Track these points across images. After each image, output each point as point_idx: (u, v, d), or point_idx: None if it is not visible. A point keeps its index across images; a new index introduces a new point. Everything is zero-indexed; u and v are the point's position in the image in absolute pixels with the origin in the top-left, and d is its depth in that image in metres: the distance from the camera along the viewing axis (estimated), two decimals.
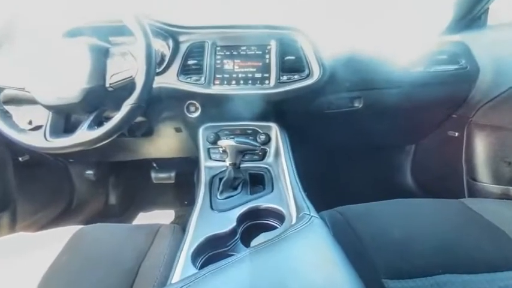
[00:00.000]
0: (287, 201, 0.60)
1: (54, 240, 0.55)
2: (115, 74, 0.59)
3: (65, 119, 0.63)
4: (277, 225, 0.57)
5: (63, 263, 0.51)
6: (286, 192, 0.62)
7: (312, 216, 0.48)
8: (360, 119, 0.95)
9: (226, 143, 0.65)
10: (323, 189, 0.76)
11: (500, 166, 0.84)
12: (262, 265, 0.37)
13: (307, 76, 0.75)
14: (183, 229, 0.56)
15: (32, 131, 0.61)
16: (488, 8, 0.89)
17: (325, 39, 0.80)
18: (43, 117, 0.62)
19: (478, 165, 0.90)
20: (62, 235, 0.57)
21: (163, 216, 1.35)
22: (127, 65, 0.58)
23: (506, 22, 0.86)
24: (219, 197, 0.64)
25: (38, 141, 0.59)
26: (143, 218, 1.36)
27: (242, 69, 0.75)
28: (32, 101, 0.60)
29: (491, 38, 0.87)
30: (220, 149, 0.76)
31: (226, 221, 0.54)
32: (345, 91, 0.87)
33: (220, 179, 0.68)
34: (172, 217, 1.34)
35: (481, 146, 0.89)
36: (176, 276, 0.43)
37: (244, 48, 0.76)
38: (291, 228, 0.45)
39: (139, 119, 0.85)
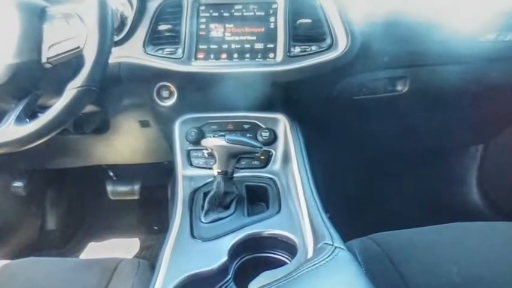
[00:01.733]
0: (300, 225, 0.60)
1: None
2: (54, 44, 0.58)
3: None
4: (287, 260, 0.57)
5: None
6: (300, 212, 0.62)
7: (336, 247, 0.48)
8: (404, 109, 0.95)
9: (213, 142, 0.65)
10: (352, 209, 0.76)
11: None
12: None
13: (330, 47, 0.75)
14: (152, 265, 0.56)
15: None
16: None
17: None
18: None
19: None
20: None
21: (124, 247, 1.34)
22: (72, 32, 0.58)
23: None
24: (203, 219, 0.63)
25: None
26: (95, 250, 1.35)
27: (236, 38, 0.75)
28: None
29: None
30: (205, 152, 0.76)
31: (214, 254, 0.54)
32: (384, 69, 0.88)
33: (206, 194, 0.68)
34: (136, 248, 1.34)
35: None
36: None
37: (239, 7, 0.76)
38: (307, 263, 0.45)
39: (89, 108, 0.85)
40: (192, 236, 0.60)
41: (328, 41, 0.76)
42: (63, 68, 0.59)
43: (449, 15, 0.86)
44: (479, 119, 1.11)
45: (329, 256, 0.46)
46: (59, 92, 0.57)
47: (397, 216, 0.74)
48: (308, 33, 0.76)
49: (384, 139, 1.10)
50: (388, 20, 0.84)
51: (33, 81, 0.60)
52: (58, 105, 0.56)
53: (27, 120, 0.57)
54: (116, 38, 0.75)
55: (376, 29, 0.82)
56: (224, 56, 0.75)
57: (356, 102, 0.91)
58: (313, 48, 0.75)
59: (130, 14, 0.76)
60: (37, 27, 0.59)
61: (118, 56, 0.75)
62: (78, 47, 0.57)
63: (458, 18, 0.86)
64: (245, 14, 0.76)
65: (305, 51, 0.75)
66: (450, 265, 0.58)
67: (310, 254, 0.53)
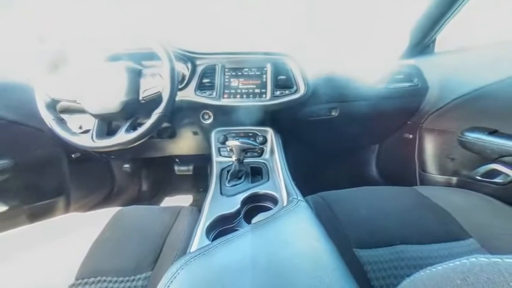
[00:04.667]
0: (280, 188, 0.60)
1: (99, 219, 0.55)
2: (146, 89, 0.58)
3: (107, 125, 0.62)
4: (272, 207, 0.57)
5: (106, 237, 0.51)
6: (279, 181, 0.62)
7: (299, 200, 0.48)
8: (336, 125, 0.94)
9: (232, 143, 0.65)
10: (308, 179, 0.76)
11: (444, 161, 0.83)
12: (261, 238, 0.37)
13: (295, 91, 0.75)
14: (199, 210, 0.56)
15: (82, 134, 0.61)
16: (435, 39, 0.89)
17: (308, 63, 0.80)
18: (90, 123, 0.61)
19: (427, 160, 0.89)
20: (105, 215, 0.57)
21: (184, 200, 1.34)
22: (156, 83, 0.58)
23: (449, 50, 0.86)
24: (227, 184, 0.63)
25: (86, 142, 0.58)
26: (168, 202, 1.36)
27: (245, 86, 0.75)
28: (82, 111, 0.59)
29: (438, 62, 0.87)
30: (228, 148, 0.76)
31: (233, 204, 0.54)
32: (324, 103, 0.87)
33: (228, 171, 0.68)
34: (190, 201, 1.34)
35: (429, 146, 0.89)
36: (194, 247, 0.42)
37: (246, 69, 0.76)
38: (283, 209, 0.44)
39: (165, 124, 0.84)
40: (221, 193, 0.60)
41: (295, 88, 0.75)
42: (151, 103, 0.59)
43: (360, 74, 0.86)
44: (375, 131, 1.10)
45: (295, 205, 0.46)
46: (148, 115, 0.57)
47: (333, 183, 0.73)
48: (284, 83, 0.75)
49: (325, 140, 1.10)
50: (327, 76, 0.84)
51: (134, 110, 0.60)
52: (148, 123, 0.56)
53: (131, 131, 0.58)
54: (180, 86, 0.74)
55: (320, 81, 0.82)
56: (238, 96, 0.75)
57: (310, 121, 0.91)
58: (287, 92, 0.75)
59: (187, 73, 0.76)
60: (137, 81, 0.59)
61: (181, 96, 0.74)
62: (159, 91, 0.57)
63: (365, 76, 0.86)
64: (250, 73, 0.76)
65: (282, 93, 0.75)
66: (361, 209, 0.57)
67: (285, 203, 0.53)
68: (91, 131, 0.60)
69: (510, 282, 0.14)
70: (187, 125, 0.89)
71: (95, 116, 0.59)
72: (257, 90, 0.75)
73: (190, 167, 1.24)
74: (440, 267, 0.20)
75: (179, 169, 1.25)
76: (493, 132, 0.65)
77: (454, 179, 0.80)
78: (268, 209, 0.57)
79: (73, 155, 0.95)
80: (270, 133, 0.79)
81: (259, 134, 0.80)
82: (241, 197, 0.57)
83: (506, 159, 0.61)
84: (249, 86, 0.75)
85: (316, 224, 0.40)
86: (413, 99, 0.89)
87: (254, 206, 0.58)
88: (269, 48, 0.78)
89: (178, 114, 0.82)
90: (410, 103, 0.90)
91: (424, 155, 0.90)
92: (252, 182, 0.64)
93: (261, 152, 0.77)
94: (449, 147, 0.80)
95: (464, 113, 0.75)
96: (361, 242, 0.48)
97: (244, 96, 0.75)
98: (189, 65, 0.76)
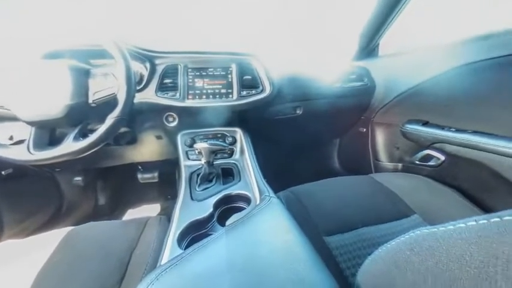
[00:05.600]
0: (252, 187, 0.60)
1: (45, 242, 0.47)
2: (97, 91, 0.52)
3: (49, 133, 0.53)
4: (245, 207, 0.57)
5: (56, 261, 0.43)
6: (251, 180, 0.62)
7: (271, 197, 0.49)
8: (301, 123, 0.98)
9: (201, 145, 0.63)
10: (278, 176, 0.78)
11: (392, 150, 0.95)
12: (236, 239, 0.36)
13: (261, 91, 0.76)
14: (169, 219, 0.53)
15: (14, 146, 0.51)
16: (378, 43, 1.01)
17: (272, 63, 0.82)
18: (25, 132, 0.51)
19: (379, 150, 1.01)
20: (53, 237, 0.48)
21: (151, 210, 1.24)
22: (109, 84, 0.52)
23: (390, 53, 0.99)
24: (197, 189, 0.61)
25: (20, 154, 0.49)
26: (133, 214, 1.23)
27: (210, 86, 0.73)
28: (13, 118, 0.50)
29: (381, 64, 0.98)
30: (196, 151, 0.73)
31: (205, 208, 0.52)
32: (289, 102, 0.91)
33: (198, 175, 0.65)
34: (158, 210, 1.24)
35: (380, 137, 1.00)
36: (165, 258, 0.39)
37: (211, 69, 0.74)
38: (256, 208, 0.45)
39: (123, 129, 0.77)
40: (192, 199, 0.57)
41: (261, 88, 0.76)
42: (104, 106, 0.52)
43: (320, 75, 0.92)
44: (336, 126, 1.18)
45: (268, 202, 0.47)
46: (102, 120, 0.50)
47: (301, 178, 0.77)
48: (250, 83, 0.75)
49: (292, 137, 1.14)
50: (290, 77, 0.88)
51: (83, 115, 0.53)
52: (102, 128, 0.50)
53: (81, 138, 0.50)
54: (138, 88, 0.68)
55: (285, 81, 0.85)
56: (204, 96, 0.72)
57: (277, 120, 0.93)
58: (253, 91, 0.75)
59: (145, 73, 0.70)
60: (84, 81, 0.52)
61: (139, 98, 0.68)
62: (113, 93, 0.51)
63: (324, 76, 0.92)
64: (215, 73, 0.74)
65: (249, 93, 0.75)
66: (327, 199, 0.61)
67: (257, 202, 0.53)
68: (26, 142, 0.50)
69: (444, 246, 0.17)
70: (149, 129, 0.83)
71: (31, 123, 0.50)
72: (223, 91, 0.74)
73: (156, 174, 1.16)
74: (394, 243, 0.22)
75: (143, 177, 1.15)
76: (425, 123, 0.78)
77: (400, 165, 0.92)
78: (241, 209, 0.57)
79: (3, 172, 0.79)
80: (239, 133, 0.79)
81: (228, 134, 0.79)
82: (214, 200, 0.55)
83: (437, 145, 0.73)
84: (214, 87, 0.73)
85: (288, 219, 0.41)
86: (365, 97, 0.99)
87: (227, 208, 0.58)
88: (233, 48, 0.77)
89: (139, 118, 0.75)
90: (362, 100, 1.00)
91: (376, 146, 1.01)
92: (223, 184, 0.63)
93: (231, 153, 0.76)
94: (395, 137, 0.91)
95: (404, 108, 0.87)
96: (329, 230, 0.51)
97: (211, 96, 0.72)
98: (148, 65, 0.70)
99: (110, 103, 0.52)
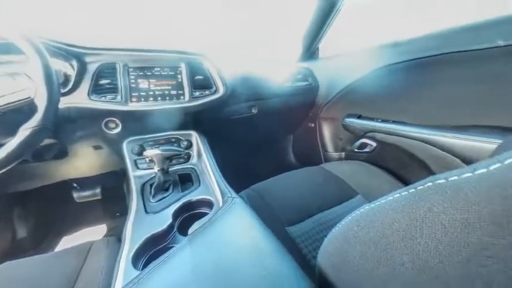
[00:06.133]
0: (213, 190, 0.58)
1: None
2: (2, 96, 0.41)
3: None
4: (208, 212, 0.55)
5: None
6: (211, 183, 0.61)
7: (233, 197, 0.49)
8: (257, 121, 1.00)
9: (152, 152, 0.57)
10: (239, 176, 0.78)
11: (336, 141, 1.08)
12: (200, 246, 0.35)
13: (215, 92, 0.74)
14: (119, 239, 0.46)
15: None
16: (318, 47, 1.12)
17: (225, 63, 0.81)
18: None
19: (326, 142, 1.12)
20: None
21: (94, 233, 1.05)
22: (19, 86, 0.41)
23: (328, 56, 1.12)
24: (152, 200, 0.55)
25: None
26: (70, 241, 1.01)
27: (158, 88, 0.67)
28: None
29: (322, 65, 1.10)
30: (147, 159, 0.66)
31: (163, 220, 0.48)
32: (244, 101, 0.91)
33: (151, 185, 0.59)
34: (104, 231, 1.06)
35: (326, 131, 1.12)
36: (118, 284, 0.34)
37: (157, 69, 0.67)
38: (220, 210, 0.44)
39: (47, 141, 0.63)
40: (146, 212, 0.51)
41: (214, 88, 0.75)
42: (14, 114, 0.41)
43: (271, 75, 0.96)
44: (289, 123, 1.25)
45: (231, 203, 0.46)
46: (12, 132, 0.40)
47: (261, 175, 0.79)
48: (202, 84, 0.73)
49: (249, 136, 1.15)
50: (242, 76, 0.89)
51: None
52: (13, 142, 0.39)
53: None
54: (63, 90, 0.57)
55: (238, 81, 0.86)
56: (151, 99, 0.66)
57: (233, 120, 0.93)
58: (207, 92, 0.73)
59: (72, 73, 0.59)
60: None
61: (67, 102, 0.57)
62: (29, 97, 0.41)
63: (275, 76, 0.97)
64: (162, 73, 0.68)
65: (202, 94, 0.72)
66: (286, 191, 0.64)
67: (220, 205, 0.52)
68: None
69: (379, 217, 0.20)
70: (83, 139, 0.70)
71: None
72: (173, 92, 0.69)
73: (97, 190, 0.99)
74: (343, 222, 0.25)
75: (80, 195, 0.97)
76: (359, 117, 0.91)
77: (343, 154, 1.05)
78: (204, 214, 0.55)
79: None
80: (195, 136, 0.75)
81: (182, 138, 0.74)
82: (172, 209, 0.51)
83: (369, 134, 0.87)
84: (163, 88, 0.67)
85: (251, 216, 0.42)
86: (310, 95, 1.09)
87: (189, 216, 0.54)
88: (181, 47, 0.73)
89: (67, 126, 0.63)
90: (309, 98, 1.09)
91: (324, 139, 1.13)
92: (182, 191, 0.59)
93: (188, 157, 0.72)
94: (338, 130, 1.03)
95: (343, 104, 1.00)
96: (290, 220, 0.54)
97: (159, 98, 0.66)
98: (75, 63, 0.59)
99: (22, 110, 0.41)
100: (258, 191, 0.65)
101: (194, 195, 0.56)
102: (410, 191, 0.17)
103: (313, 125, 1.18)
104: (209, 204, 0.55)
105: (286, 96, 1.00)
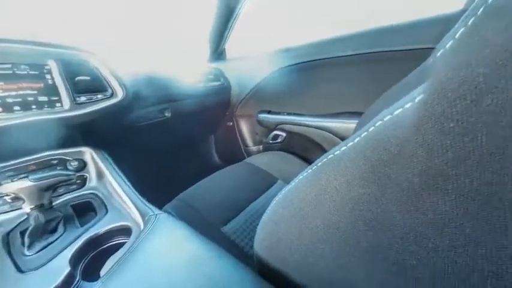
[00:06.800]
0: (128, 213, 0.48)
1: None
2: None
3: None
4: (126, 239, 0.45)
5: None
6: (124, 206, 0.50)
7: (156, 214, 0.43)
8: (172, 125, 0.92)
9: (15, 186, 0.39)
10: (162, 188, 0.69)
11: (254, 136, 1.17)
12: (123, 283, 0.28)
13: (112, 95, 0.61)
14: None
15: None
16: (224, 48, 1.16)
17: (119, 61, 0.68)
18: None
19: (246, 138, 1.20)
20: None
21: None
22: None
23: (235, 57, 1.18)
24: (28, 253, 0.39)
25: None
26: None
27: (14, 93, 0.46)
28: None
29: (231, 66, 1.14)
30: (7, 197, 0.45)
31: (54, 273, 0.35)
32: (153, 105, 0.81)
33: (23, 232, 0.42)
34: None
35: (244, 128, 1.19)
36: None
37: (7, 66, 0.47)
38: (142, 233, 0.37)
39: None
40: (21, 271, 0.36)
41: (110, 91, 0.61)
42: None
43: (182, 75, 0.90)
44: (208, 123, 1.24)
45: (154, 221, 0.40)
46: None
47: (187, 181, 0.73)
48: (91, 86, 0.57)
49: (166, 142, 1.04)
50: (148, 77, 0.78)
51: None
52: None
53: None
54: None
55: (141, 82, 0.75)
56: (0, 109, 0.45)
57: (142, 127, 0.80)
58: (99, 96, 0.58)
59: None
60: None
61: None
62: None
63: (187, 76, 0.92)
64: (17, 72, 0.47)
65: (91, 99, 0.57)
66: (215, 193, 0.63)
67: (142, 227, 0.44)
68: None
69: (295, 194, 0.24)
70: None
71: None
72: (42, 98, 0.50)
73: None
74: (270, 207, 0.28)
75: None
76: (269, 112, 1.04)
77: (261, 147, 1.17)
78: (121, 245, 0.45)
79: None
80: (89, 153, 0.59)
81: (70, 158, 0.56)
82: (69, 253, 0.38)
83: (279, 127, 1.01)
84: (23, 92, 0.48)
85: (182, 228, 0.38)
86: (224, 94, 1.11)
87: (99, 253, 0.43)
88: (48, 38, 0.54)
89: None
90: (223, 98, 1.12)
91: (243, 135, 1.19)
92: (82, 225, 0.45)
93: (83, 182, 0.56)
94: (254, 126, 1.12)
95: (256, 101, 1.09)
96: (224, 220, 0.54)
97: (18, 108, 0.47)
98: None
99: None
100: (186, 200, 0.60)
101: (102, 226, 0.45)
102: (313, 168, 0.22)
103: (231, 123, 1.22)
104: (126, 231, 0.46)
105: (201, 97, 0.98)
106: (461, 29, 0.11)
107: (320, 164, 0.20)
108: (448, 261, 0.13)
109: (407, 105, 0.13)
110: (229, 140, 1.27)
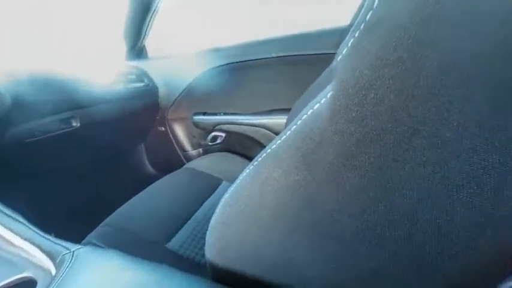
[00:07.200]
0: (29, 260, 0.36)
1: None
2: None
3: None
4: None
5: None
6: (22, 252, 0.37)
7: (73, 250, 0.34)
8: (86, 136, 0.75)
9: None
10: (81, 216, 0.55)
11: (192, 139, 1.10)
12: None
13: None
14: None
15: None
16: (144, 45, 1.03)
17: None
18: None
19: (183, 143, 1.12)
20: None
21: None
22: None
23: (161, 56, 1.07)
24: None
25: None
26: None
27: None
28: None
29: (157, 65, 1.04)
30: None
31: None
32: (51, 114, 0.63)
33: None
34: None
35: (179, 132, 1.10)
36: None
37: None
38: (55, 280, 0.29)
39: None
40: None
41: None
42: None
43: (90, 74, 0.74)
44: (134, 130, 1.08)
45: (71, 261, 0.32)
46: None
47: (117, 199, 0.62)
48: None
49: (79, 157, 0.84)
50: (37, 77, 0.60)
51: None
52: None
53: None
54: None
55: (26, 85, 0.56)
56: None
57: (32, 144, 0.61)
58: None
59: None
60: None
61: None
62: None
63: (97, 76, 0.76)
64: None
65: None
66: (152, 208, 0.57)
67: (53, 272, 0.34)
68: None
69: (241, 192, 0.24)
70: None
71: None
72: None
73: None
74: (217, 210, 0.28)
75: None
76: (204, 113, 1.01)
77: (201, 150, 1.12)
78: None
79: None
80: None
81: None
82: None
83: (217, 127, 0.99)
84: None
85: (115, 257, 0.32)
86: (151, 97, 1.00)
87: None
88: None
89: None
90: (150, 101, 1.00)
91: (179, 140, 1.11)
92: None
93: None
94: (190, 128, 1.06)
95: (189, 103, 1.03)
96: (168, 235, 0.50)
97: None
98: None
99: None
100: (115, 224, 0.51)
101: None
102: (255, 163, 0.23)
103: (163, 128, 1.11)
104: (28, 283, 0.34)
105: (122, 101, 0.84)
106: (351, 40, 0.14)
107: (260, 159, 0.22)
108: (362, 221, 0.17)
109: (322, 101, 0.16)
110: (163, 146, 1.16)
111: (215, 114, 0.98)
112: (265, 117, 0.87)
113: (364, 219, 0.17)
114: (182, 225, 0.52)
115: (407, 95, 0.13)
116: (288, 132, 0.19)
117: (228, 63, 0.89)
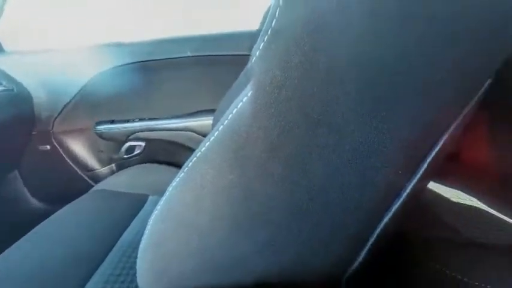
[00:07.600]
0: None
1: None
2: None
3: None
4: None
5: None
6: None
7: None
8: None
9: None
10: None
11: (98, 155, 0.89)
12: None
13: None
14: None
15: None
16: None
17: None
18: None
19: (84, 161, 0.88)
20: None
21: None
22: None
23: (27, 50, 0.79)
24: None
25: None
26: None
27: None
28: None
29: (21, 62, 0.76)
30: None
31: None
32: None
33: None
34: None
35: (76, 147, 0.86)
36: None
37: None
38: None
39: None
40: None
41: None
42: None
43: None
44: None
45: None
46: None
47: None
48: None
49: None
50: None
51: None
52: None
53: None
54: None
55: None
56: None
57: None
58: None
59: None
60: None
61: None
62: None
63: None
64: None
65: None
66: (46, 251, 0.43)
67: None
68: None
69: (174, 202, 0.23)
70: None
71: None
72: None
73: None
74: (147, 231, 0.25)
75: None
76: (112, 121, 0.83)
77: (114, 165, 0.92)
78: None
79: None
80: None
81: None
82: None
83: (132, 136, 0.85)
84: None
85: None
86: (20, 106, 0.73)
87: None
88: None
89: None
90: (20, 111, 0.73)
91: (77, 158, 0.87)
92: None
93: None
94: (94, 142, 0.86)
95: (86, 111, 0.82)
96: (81, 280, 0.39)
97: None
98: None
99: None
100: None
101: None
102: (185, 169, 0.22)
103: (48, 146, 0.84)
104: None
105: None
106: (262, 43, 0.16)
107: (191, 164, 0.21)
108: (289, 203, 0.20)
109: (244, 99, 0.17)
110: (51, 171, 0.89)
111: (127, 121, 0.83)
112: (190, 119, 0.82)
113: (290, 201, 0.19)
114: (101, 262, 0.42)
115: (309, 92, 0.15)
116: (216, 133, 0.19)
117: (135, 62, 0.77)
